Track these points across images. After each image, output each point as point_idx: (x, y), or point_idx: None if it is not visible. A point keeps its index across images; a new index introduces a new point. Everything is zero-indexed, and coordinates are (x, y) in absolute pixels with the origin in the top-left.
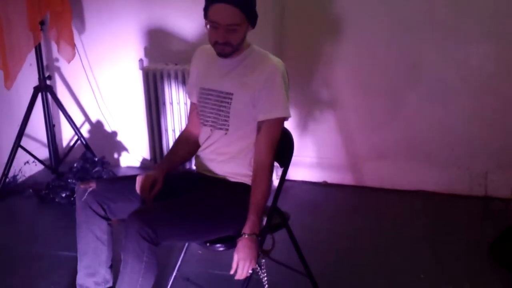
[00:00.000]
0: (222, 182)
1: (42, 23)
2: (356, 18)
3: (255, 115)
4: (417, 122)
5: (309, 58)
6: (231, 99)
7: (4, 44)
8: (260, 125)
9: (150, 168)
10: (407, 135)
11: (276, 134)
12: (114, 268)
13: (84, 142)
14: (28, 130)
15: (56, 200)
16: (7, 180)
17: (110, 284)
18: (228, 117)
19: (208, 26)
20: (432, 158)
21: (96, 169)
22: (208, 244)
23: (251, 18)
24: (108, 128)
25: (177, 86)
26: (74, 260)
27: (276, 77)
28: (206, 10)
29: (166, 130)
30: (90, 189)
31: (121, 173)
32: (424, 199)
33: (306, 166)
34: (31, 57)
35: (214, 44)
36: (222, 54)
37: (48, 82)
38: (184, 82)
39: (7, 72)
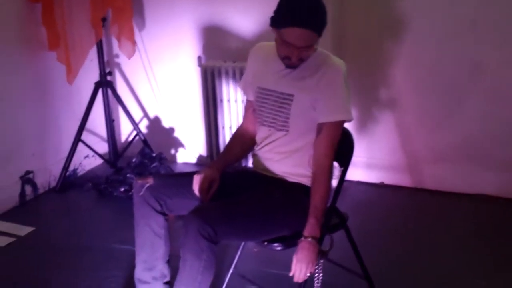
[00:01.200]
0: (279, 182)
1: (103, 19)
2: (416, 17)
3: (315, 117)
4: (478, 123)
5: (367, 57)
6: (291, 100)
7: (67, 40)
8: (320, 127)
9: (206, 165)
10: (467, 137)
11: (336, 136)
12: (171, 263)
13: (142, 138)
14: (88, 124)
15: (114, 194)
16: (68, 173)
17: (168, 278)
18: (288, 118)
19: (278, 39)
20: (493, 160)
21: (154, 164)
22: (266, 243)
23: (323, 31)
24: (166, 124)
25: (234, 84)
26: (131, 254)
27: (338, 79)
28: (278, 25)
29: (223, 127)
30: (148, 184)
31: (178, 169)
32: (484, 203)
33: (362, 166)
34: (92, 53)
35: (284, 59)
36: (291, 67)
37: (108, 77)
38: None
39: (69, 68)
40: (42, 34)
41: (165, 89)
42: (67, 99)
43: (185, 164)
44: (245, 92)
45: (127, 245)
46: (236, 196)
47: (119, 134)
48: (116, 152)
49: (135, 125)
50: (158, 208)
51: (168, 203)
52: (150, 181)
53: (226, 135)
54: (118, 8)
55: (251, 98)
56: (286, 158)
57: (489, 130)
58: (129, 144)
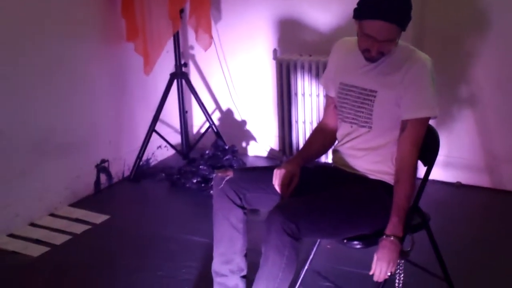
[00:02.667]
0: (361, 179)
1: (181, 11)
2: (502, 12)
3: (399, 113)
4: None
5: (448, 53)
6: (374, 96)
7: (145, 32)
8: (405, 124)
9: (278, 159)
10: None
11: (421, 134)
12: (248, 257)
13: (215, 130)
14: (162, 115)
15: (187, 185)
16: (141, 163)
17: (245, 272)
18: (371, 115)
19: (359, 31)
20: None
21: (227, 157)
22: (345, 241)
23: (406, 25)
24: (238, 116)
25: (310, 78)
26: (204, 246)
27: (424, 75)
28: (360, 17)
29: (297, 122)
30: (228, 177)
31: (249, 162)
32: None
33: (439, 165)
34: (169, 45)
35: (364, 51)
36: (371, 60)
37: (183, 69)
38: (317, 74)
39: (146, 59)
40: (121, 25)
41: (239, 81)
42: (143, 89)
43: (256, 157)
44: (326, 88)
45: (201, 237)
46: (317, 192)
47: (192, 126)
48: (189, 143)
49: (208, 117)
50: (238, 201)
51: (247, 197)
52: (230, 174)
53: (299, 129)
54: (197, 0)
55: (332, 94)
56: (368, 155)
57: None
58: (201, 136)
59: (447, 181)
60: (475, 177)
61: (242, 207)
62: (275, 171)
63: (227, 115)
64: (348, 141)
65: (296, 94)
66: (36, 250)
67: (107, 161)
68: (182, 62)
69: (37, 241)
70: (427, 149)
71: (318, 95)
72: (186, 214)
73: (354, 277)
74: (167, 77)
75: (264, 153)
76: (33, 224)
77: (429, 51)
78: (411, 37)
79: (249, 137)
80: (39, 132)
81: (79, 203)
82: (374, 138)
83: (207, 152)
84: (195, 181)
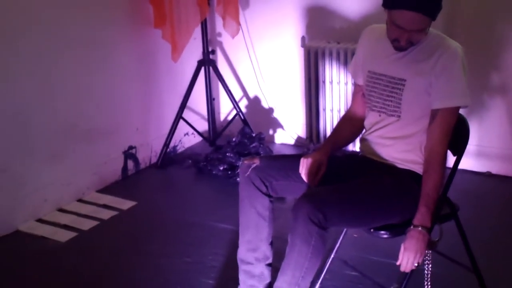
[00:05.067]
0: (389, 168)
1: None
2: None
3: (430, 102)
4: None
5: (480, 40)
6: (403, 85)
7: (173, 18)
8: (435, 113)
9: (305, 147)
10: None
11: (452, 123)
12: (274, 245)
13: (242, 117)
14: (190, 102)
15: (214, 172)
16: (168, 150)
17: (270, 260)
18: (400, 103)
19: (389, 21)
20: None
21: (254, 144)
22: (372, 231)
23: (437, 15)
24: (265, 104)
25: (338, 65)
26: (230, 233)
27: (455, 63)
28: (390, 6)
29: (324, 110)
30: (254, 165)
31: (276, 149)
32: None
33: (469, 154)
34: (196, 32)
35: (393, 41)
36: (400, 50)
37: (211, 56)
38: (346, 62)
39: (174, 46)
40: (149, 11)
41: (266, 69)
42: (171, 76)
43: (283, 145)
44: (354, 76)
45: (227, 224)
46: (344, 181)
47: (219, 113)
48: (215, 130)
49: (235, 104)
50: (264, 189)
51: (273, 185)
52: (256, 162)
53: (327, 117)
54: None
55: (361, 82)
56: (396, 144)
57: None
58: (228, 123)
59: (477, 171)
60: (505, 166)
61: (268, 195)
62: (302, 159)
63: (254, 102)
64: (376, 130)
65: (324, 81)
66: (64, 235)
67: (135, 147)
68: (210, 49)
69: (65, 227)
70: (457, 138)
71: (346, 83)
72: (212, 201)
73: (381, 266)
74: (194, 64)
75: (291, 140)
76: (61, 210)
77: (460, 38)
78: (441, 24)
79: (276, 124)
80: (68, 118)
81: (107, 189)
82: (403, 127)
83: (233, 139)
84: (221, 168)
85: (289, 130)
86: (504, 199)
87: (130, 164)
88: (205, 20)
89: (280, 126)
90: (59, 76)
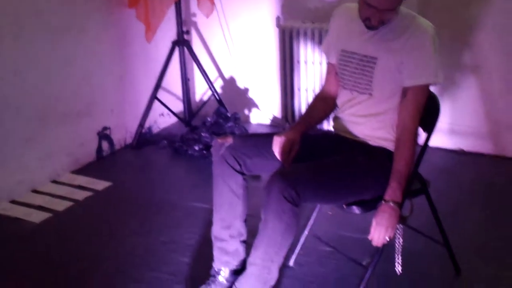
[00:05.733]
0: (362, 145)
1: None
2: None
3: (401, 80)
4: None
5: (452, 20)
6: (375, 63)
7: None
8: (406, 91)
9: (280, 127)
10: None
11: (422, 101)
12: (249, 223)
13: (217, 97)
14: (164, 83)
15: (189, 152)
16: (143, 130)
17: (244, 237)
18: (371, 81)
19: (360, 0)
20: None
21: (229, 124)
22: (344, 206)
23: None
24: (241, 84)
25: (313, 45)
26: (206, 212)
27: (426, 41)
28: None
29: (299, 89)
30: (227, 144)
31: (252, 129)
32: None
33: (442, 132)
34: (170, 12)
35: (365, 20)
36: (372, 29)
37: (185, 36)
38: (320, 42)
39: (148, 26)
40: None
41: (241, 49)
42: (145, 57)
43: (259, 125)
44: (327, 55)
45: (203, 203)
46: (317, 159)
47: (194, 93)
48: (191, 111)
49: (211, 84)
50: (237, 167)
51: (247, 163)
52: (229, 140)
53: (301, 97)
54: None
55: (333, 61)
56: (368, 122)
57: None
58: (203, 103)
59: (449, 148)
60: (478, 144)
61: (242, 173)
62: (275, 138)
63: (229, 82)
64: (348, 108)
65: (298, 61)
66: (38, 217)
67: (109, 128)
68: (184, 29)
69: (40, 208)
70: (428, 115)
71: (321, 63)
72: (188, 181)
73: (354, 242)
74: (169, 45)
75: (267, 120)
76: (35, 191)
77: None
78: (415, 3)
79: (251, 104)
80: (42, 99)
81: (82, 170)
82: (375, 105)
83: (209, 119)
84: (197, 148)
85: (265, 110)
86: (476, 175)
87: (105, 145)
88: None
89: (256, 106)
90: (32, 59)
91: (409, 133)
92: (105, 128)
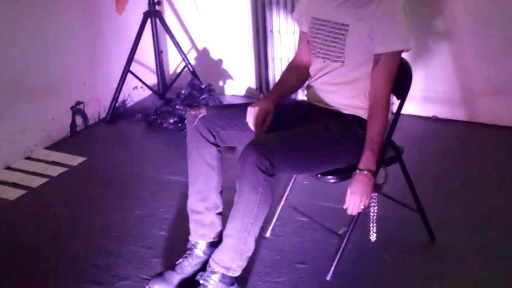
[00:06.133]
0: (335, 114)
1: None
2: None
3: (372, 47)
4: None
5: None
6: (346, 30)
7: None
8: (378, 58)
9: (255, 97)
10: None
11: (394, 67)
12: (224, 194)
13: (191, 69)
14: (137, 55)
15: (164, 125)
16: (117, 104)
17: (220, 209)
18: (343, 49)
19: None
20: None
21: (203, 96)
22: (319, 176)
23: None
24: (214, 55)
25: (285, 14)
26: (182, 185)
27: (396, 7)
28: None
29: (273, 59)
30: (201, 115)
31: (227, 101)
32: None
33: (416, 99)
34: None
35: None
36: None
37: (157, 7)
38: (293, 10)
39: None
40: None
41: (214, 19)
42: (116, 29)
43: (234, 96)
44: (299, 23)
45: (178, 176)
46: (291, 129)
47: (167, 66)
48: (165, 83)
49: (184, 56)
50: (211, 139)
51: (221, 134)
52: (203, 112)
53: (276, 67)
54: None
55: (305, 29)
56: (341, 90)
57: None
58: (177, 75)
59: (424, 116)
60: (451, 110)
61: (216, 145)
62: (249, 108)
63: (203, 54)
64: (321, 76)
65: (272, 31)
66: (13, 194)
67: (82, 102)
68: (155, 0)
69: (14, 185)
70: (400, 82)
71: (294, 32)
72: (163, 154)
73: (330, 211)
74: (140, 16)
75: (242, 91)
76: (9, 168)
77: None
78: None
79: (226, 76)
80: (12, 74)
81: (55, 146)
82: (347, 73)
83: (183, 91)
84: (172, 121)
85: (239, 81)
86: (450, 141)
87: (79, 119)
88: None
89: (230, 77)
90: (1, 33)
91: (382, 100)
92: (78, 103)
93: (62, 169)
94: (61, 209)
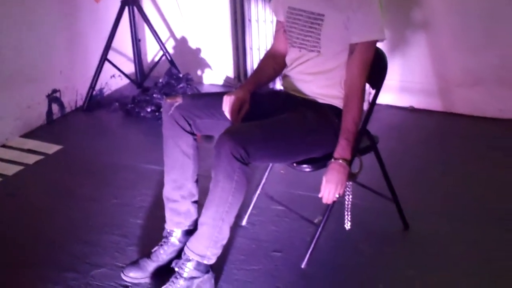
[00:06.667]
0: (311, 103)
1: None
2: None
3: (348, 37)
4: None
5: None
6: (322, 20)
7: None
8: (353, 48)
9: (233, 87)
10: (503, 61)
11: (369, 57)
12: (200, 183)
13: (169, 58)
14: (115, 44)
15: (141, 114)
16: (94, 93)
17: (196, 198)
18: (319, 39)
19: None
20: None
21: (181, 85)
22: (295, 165)
23: None
24: (192, 44)
25: (263, 4)
26: (159, 174)
27: None
28: None
29: (251, 48)
30: (177, 103)
31: (205, 90)
32: None
33: (392, 89)
34: None
35: None
36: None
37: None
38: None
39: None
40: None
41: (192, 8)
42: (94, 17)
43: (212, 85)
44: (275, 12)
45: (155, 165)
46: (267, 118)
47: (145, 54)
48: (142, 72)
49: (162, 45)
50: (187, 128)
51: (197, 123)
52: (179, 100)
53: (254, 56)
54: None
55: (282, 19)
56: (317, 79)
57: None
58: (155, 64)
59: (400, 106)
60: (428, 101)
61: (192, 133)
62: (224, 97)
63: (181, 43)
64: (297, 66)
65: (250, 20)
66: None
67: (59, 91)
68: None
69: None
70: (375, 72)
71: (272, 21)
72: (140, 143)
73: (306, 200)
74: (118, 4)
75: (220, 81)
76: None
77: None
78: None
79: (204, 65)
80: None
81: (31, 134)
82: (323, 62)
83: (160, 80)
84: (149, 110)
85: (217, 70)
86: (426, 131)
87: (55, 108)
88: None
89: (208, 66)
90: None
91: (356, 90)
92: (54, 91)
93: (38, 157)
94: (37, 197)
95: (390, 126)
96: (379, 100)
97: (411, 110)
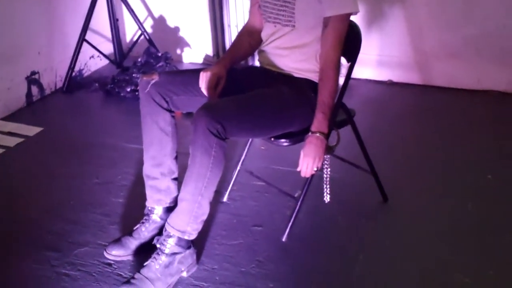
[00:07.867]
0: (287, 78)
1: None
2: None
3: (321, 10)
4: (492, 18)
5: None
6: None
7: None
8: (326, 21)
9: (212, 64)
10: (480, 33)
11: (343, 30)
12: (178, 160)
13: (147, 37)
14: (93, 24)
15: (121, 94)
16: (74, 74)
17: (176, 175)
18: (294, 13)
19: None
20: (505, 57)
21: (160, 64)
22: (272, 139)
23: None
24: (171, 23)
25: None
26: (140, 152)
27: None
28: None
29: (229, 26)
30: (153, 81)
31: (184, 68)
32: (495, 99)
33: (371, 64)
34: None
35: None
36: None
37: None
38: None
39: None
40: None
41: None
42: None
43: (192, 64)
44: None
45: (136, 144)
46: (244, 93)
47: (124, 34)
48: (121, 52)
49: (140, 24)
50: (164, 105)
51: (174, 100)
52: (155, 77)
53: (232, 33)
54: None
55: None
56: (292, 54)
57: (502, 26)
58: (134, 43)
59: (379, 80)
60: (406, 74)
61: (170, 110)
62: (201, 73)
63: (159, 22)
64: (272, 41)
65: None
66: None
67: (38, 72)
68: None
69: None
70: (350, 45)
71: None
72: (121, 122)
73: (286, 175)
74: None
75: (199, 59)
76: None
77: None
78: None
79: (183, 43)
80: None
81: (11, 116)
82: (298, 37)
83: (139, 60)
84: (129, 89)
85: (197, 49)
86: (405, 105)
87: (34, 89)
88: None
89: (187, 45)
90: None
91: (331, 63)
92: (33, 72)
93: (19, 140)
94: (19, 178)
95: (369, 100)
96: (358, 75)
97: (390, 84)
